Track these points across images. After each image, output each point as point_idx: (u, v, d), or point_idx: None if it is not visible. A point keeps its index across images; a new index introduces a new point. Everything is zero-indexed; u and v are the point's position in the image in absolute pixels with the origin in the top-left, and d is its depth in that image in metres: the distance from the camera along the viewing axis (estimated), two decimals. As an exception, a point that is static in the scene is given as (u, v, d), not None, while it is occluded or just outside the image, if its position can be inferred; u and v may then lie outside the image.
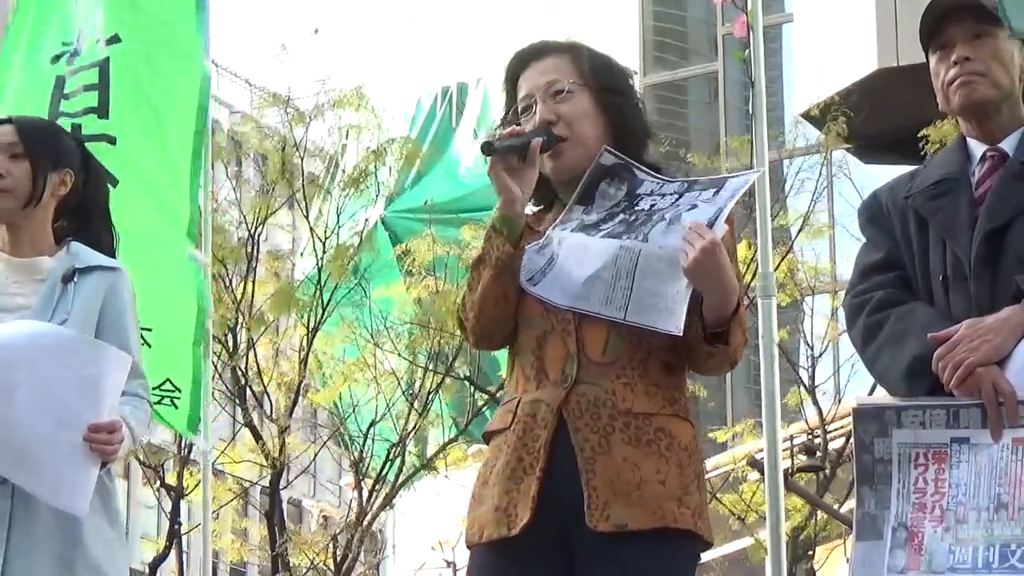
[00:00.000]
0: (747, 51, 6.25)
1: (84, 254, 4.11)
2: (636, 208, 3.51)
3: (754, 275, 9.27)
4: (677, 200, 3.48)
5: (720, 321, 3.39)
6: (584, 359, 3.44)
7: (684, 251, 3.33)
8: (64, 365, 3.83)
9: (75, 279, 4.03)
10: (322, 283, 15.27)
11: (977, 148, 3.57)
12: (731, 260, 3.48)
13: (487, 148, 3.49)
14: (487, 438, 3.57)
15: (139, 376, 4.09)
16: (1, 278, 4.04)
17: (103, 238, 4.23)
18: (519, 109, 3.62)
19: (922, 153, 13.49)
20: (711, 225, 3.36)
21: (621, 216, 3.50)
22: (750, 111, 6.29)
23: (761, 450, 6.76)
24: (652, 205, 3.50)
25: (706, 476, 3.54)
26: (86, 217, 4.23)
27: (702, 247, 3.30)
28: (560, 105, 3.58)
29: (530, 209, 3.69)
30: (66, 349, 3.85)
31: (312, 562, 16.37)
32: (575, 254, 3.48)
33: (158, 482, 15.63)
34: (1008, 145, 3.53)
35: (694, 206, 3.44)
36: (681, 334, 3.35)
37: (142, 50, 6.41)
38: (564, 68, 3.61)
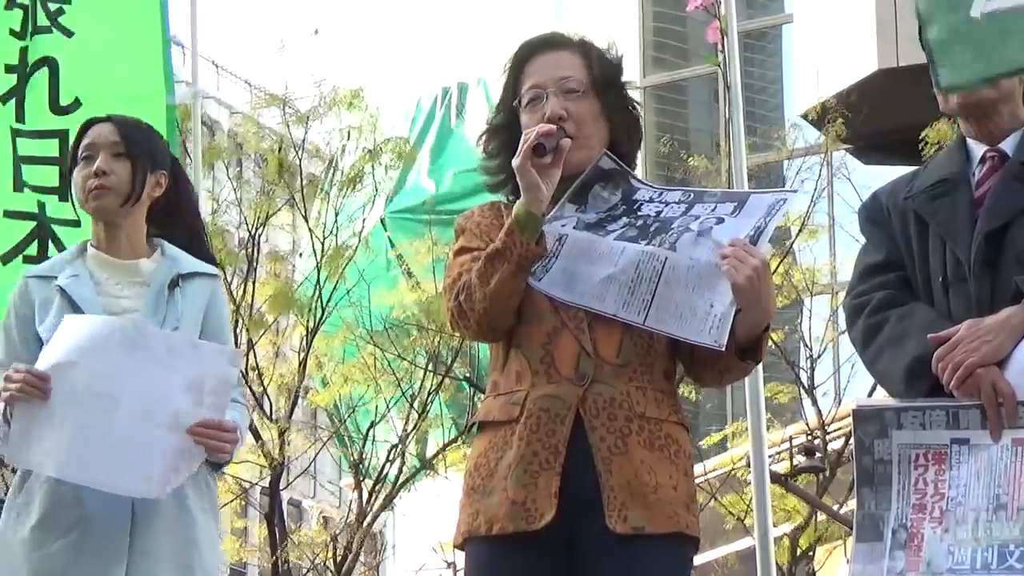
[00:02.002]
0: (721, 56, 6.24)
1: (183, 258, 4.14)
2: (640, 214, 3.51)
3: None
4: (688, 210, 3.49)
5: (750, 338, 3.42)
6: (598, 359, 3.45)
7: (732, 267, 3.32)
8: (168, 368, 3.86)
9: (180, 285, 4.06)
10: (321, 284, 15.27)
11: (977, 149, 3.57)
12: None
13: (541, 150, 3.46)
14: (481, 427, 3.56)
15: (237, 384, 4.10)
16: (102, 278, 4.06)
17: (193, 238, 4.26)
18: (525, 99, 3.62)
19: (922, 154, 13.48)
20: (754, 243, 3.38)
21: (625, 220, 3.51)
22: (726, 115, 6.27)
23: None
24: (659, 212, 3.50)
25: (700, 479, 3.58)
26: (175, 218, 4.24)
27: (754, 266, 3.32)
28: (571, 103, 3.58)
29: (506, 199, 3.68)
30: (168, 352, 3.87)
31: (312, 563, 16.38)
32: (581, 253, 3.48)
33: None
34: (1008, 146, 3.53)
35: (720, 220, 3.44)
36: (723, 348, 3.36)
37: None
38: (577, 66, 3.62)
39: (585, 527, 3.38)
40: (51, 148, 5.88)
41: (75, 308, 3.99)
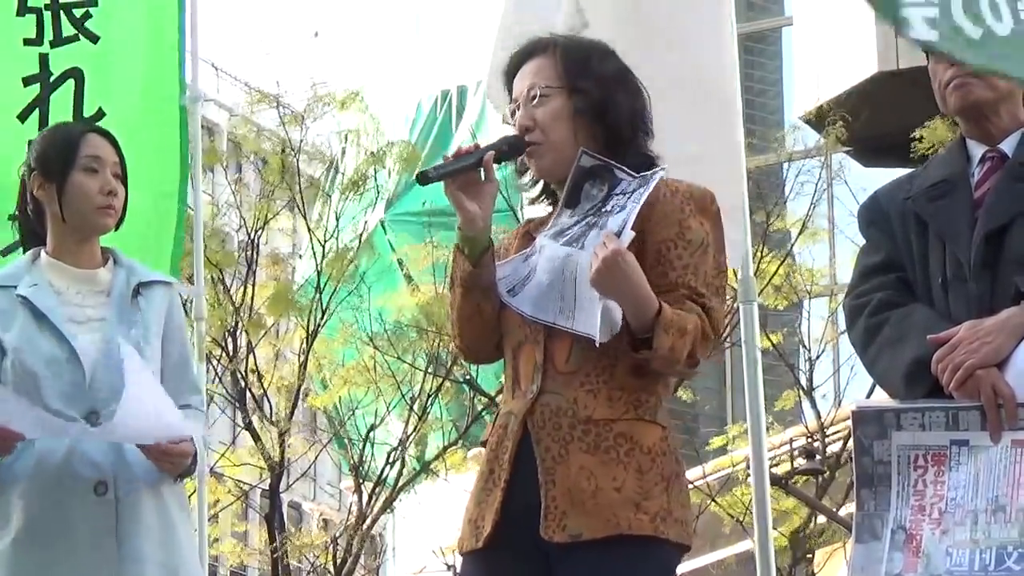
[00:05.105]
0: None
1: (138, 267, 4.21)
2: (603, 210, 3.49)
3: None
4: (628, 198, 3.46)
5: (646, 326, 3.36)
6: (551, 369, 3.45)
7: (591, 262, 3.33)
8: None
9: (141, 293, 4.12)
10: (321, 287, 15.27)
11: (977, 149, 3.56)
12: (711, 247, 3.48)
13: (422, 179, 3.51)
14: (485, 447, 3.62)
15: (196, 391, 4.23)
16: (62, 287, 4.09)
17: None
18: (510, 115, 3.64)
19: (912, 155, 13.49)
20: (620, 233, 3.35)
21: (588, 218, 3.49)
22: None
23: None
24: (613, 206, 3.48)
25: (684, 477, 3.50)
26: None
27: (603, 258, 3.30)
28: (536, 110, 3.57)
29: (545, 210, 3.69)
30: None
31: (312, 565, 16.38)
32: (543, 262, 3.49)
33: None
34: (1007, 146, 3.52)
35: (624, 208, 3.43)
36: (597, 342, 3.35)
37: (120, 121, 5.74)
38: (545, 69, 3.60)
39: (530, 540, 3.37)
40: None
41: (39, 317, 4.01)
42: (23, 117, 5.86)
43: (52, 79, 5.90)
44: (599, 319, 3.34)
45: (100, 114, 5.86)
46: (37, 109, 5.88)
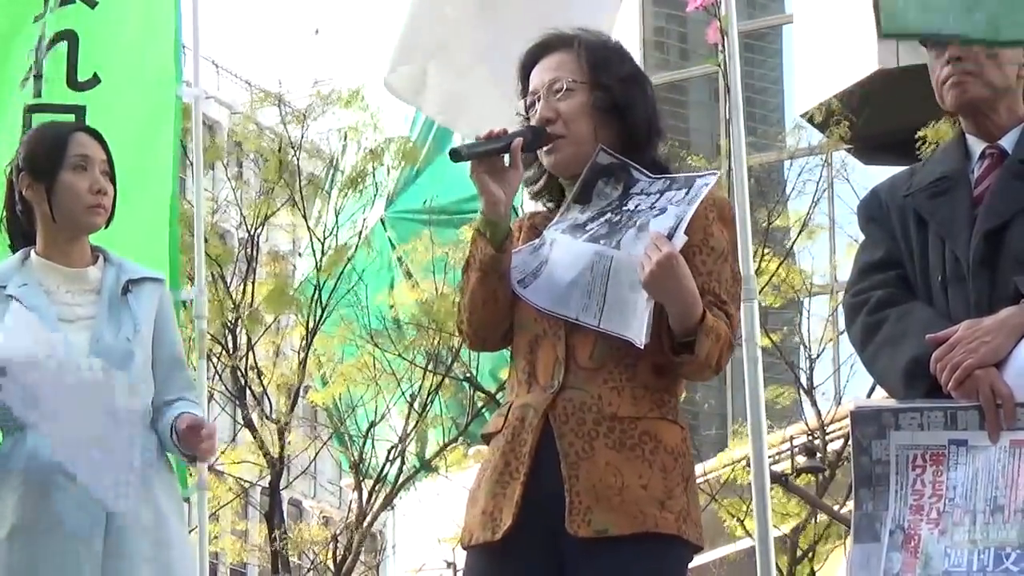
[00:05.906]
0: (721, 56, 6.19)
1: (127, 264, 4.21)
2: (623, 208, 3.49)
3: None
4: (657, 199, 3.47)
5: (687, 330, 3.37)
6: (573, 364, 3.44)
7: (642, 263, 3.32)
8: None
9: (131, 290, 4.13)
10: (320, 284, 15.27)
11: (976, 145, 3.54)
12: (729, 256, 3.49)
13: (454, 155, 3.50)
14: (487, 440, 3.59)
15: (189, 388, 4.25)
16: (51, 286, 4.10)
17: None
18: (527, 105, 3.63)
19: (918, 154, 13.48)
20: (671, 235, 3.35)
21: (608, 216, 3.49)
22: (727, 115, 6.26)
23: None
24: (636, 205, 3.48)
25: (696, 479, 3.52)
26: None
27: (657, 260, 3.30)
28: (559, 103, 3.57)
29: (544, 207, 3.69)
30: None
31: (312, 562, 16.40)
32: (561, 256, 3.48)
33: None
34: (1007, 143, 3.50)
35: (664, 210, 3.43)
36: (642, 345, 3.35)
37: (117, 94, 5.84)
38: (568, 64, 3.60)
39: (552, 534, 3.37)
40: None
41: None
42: (23, 83, 5.86)
43: (46, 42, 5.90)
44: (647, 322, 3.34)
45: (96, 79, 5.85)
46: (32, 75, 5.85)
